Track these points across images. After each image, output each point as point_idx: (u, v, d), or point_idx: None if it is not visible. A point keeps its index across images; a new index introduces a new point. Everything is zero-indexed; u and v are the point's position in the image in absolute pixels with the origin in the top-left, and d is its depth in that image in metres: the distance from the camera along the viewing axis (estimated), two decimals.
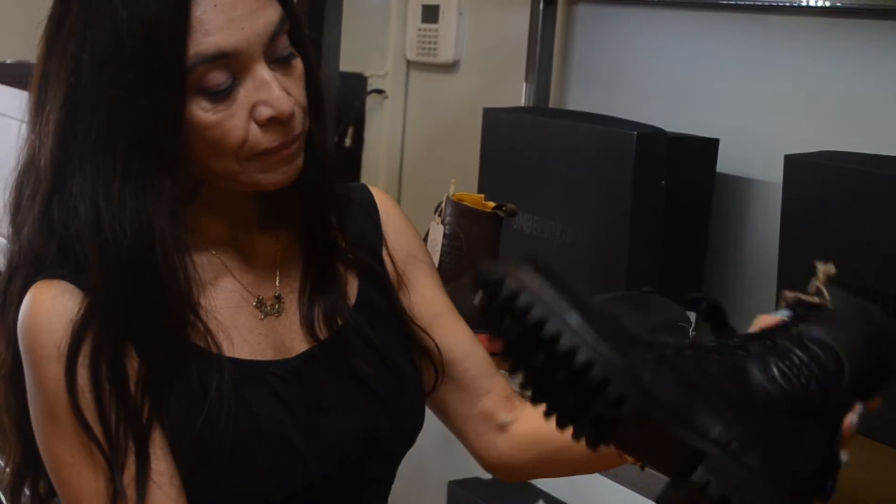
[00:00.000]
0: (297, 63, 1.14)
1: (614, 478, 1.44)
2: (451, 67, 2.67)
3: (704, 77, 2.06)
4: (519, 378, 0.96)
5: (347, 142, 2.83)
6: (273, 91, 1.09)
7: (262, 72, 1.09)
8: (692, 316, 1.74)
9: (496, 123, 2.14)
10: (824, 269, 1.12)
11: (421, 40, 2.71)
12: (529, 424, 1.30)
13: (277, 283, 1.22)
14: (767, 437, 1.01)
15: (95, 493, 1.08)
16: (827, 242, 1.59)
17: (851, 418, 1.06)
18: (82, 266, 1.08)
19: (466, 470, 2.15)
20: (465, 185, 1.91)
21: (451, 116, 2.68)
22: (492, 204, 1.81)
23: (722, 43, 2.04)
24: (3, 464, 1.19)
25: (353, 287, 1.25)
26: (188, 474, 1.10)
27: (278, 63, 1.11)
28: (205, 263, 1.16)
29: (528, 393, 0.96)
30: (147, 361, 1.09)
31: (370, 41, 2.83)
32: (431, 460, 2.30)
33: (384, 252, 1.30)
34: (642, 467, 1.01)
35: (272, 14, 1.10)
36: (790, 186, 1.66)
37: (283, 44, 1.12)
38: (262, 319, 1.19)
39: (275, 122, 1.10)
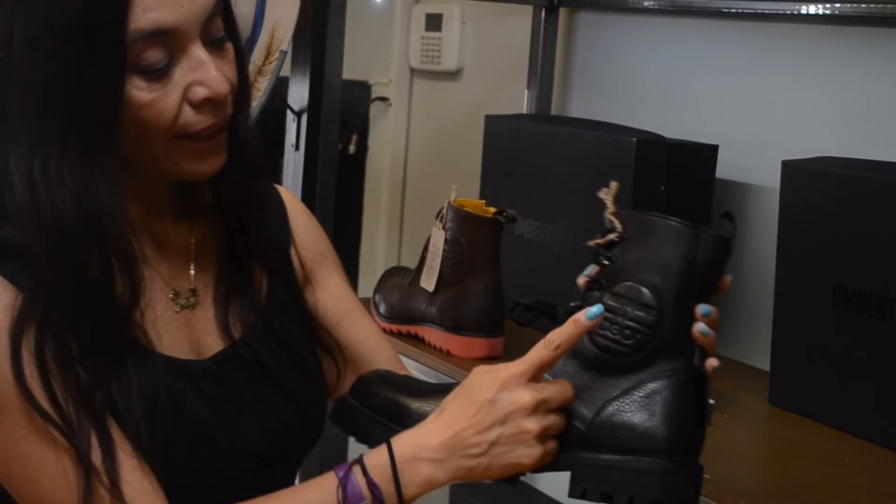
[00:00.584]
0: (230, 47, 1.13)
1: None
2: (454, 75, 2.68)
3: (704, 84, 2.07)
4: None
5: (352, 149, 2.83)
6: (210, 71, 1.07)
7: (199, 52, 1.08)
8: None
9: (498, 130, 2.16)
10: (609, 195, 1.13)
11: (424, 48, 2.73)
12: None
13: (192, 275, 1.20)
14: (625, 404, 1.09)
15: (67, 482, 1.04)
16: (824, 248, 1.60)
17: (697, 327, 1.09)
18: (20, 249, 1.05)
19: None
20: (467, 192, 1.92)
21: (454, 123, 2.69)
22: (493, 210, 1.82)
23: (721, 50, 2.05)
24: None
25: (263, 285, 1.25)
26: None
27: (213, 45, 1.10)
28: None
29: None
30: (90, 351, 1.06)
31: (374, 49, 2.84)
32: None
33: (292, 250, 1.30)
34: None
35: None
36: (788, 192, 1.67)
37: (218, 25, 1.11)
38: (177, 312, 1.18)
39: (209, 104, 1.08)
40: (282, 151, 2.21)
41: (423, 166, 2.81)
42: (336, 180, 2.20)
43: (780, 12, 1.92)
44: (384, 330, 1.95)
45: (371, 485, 1.08)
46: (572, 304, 1.12)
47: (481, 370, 1.11)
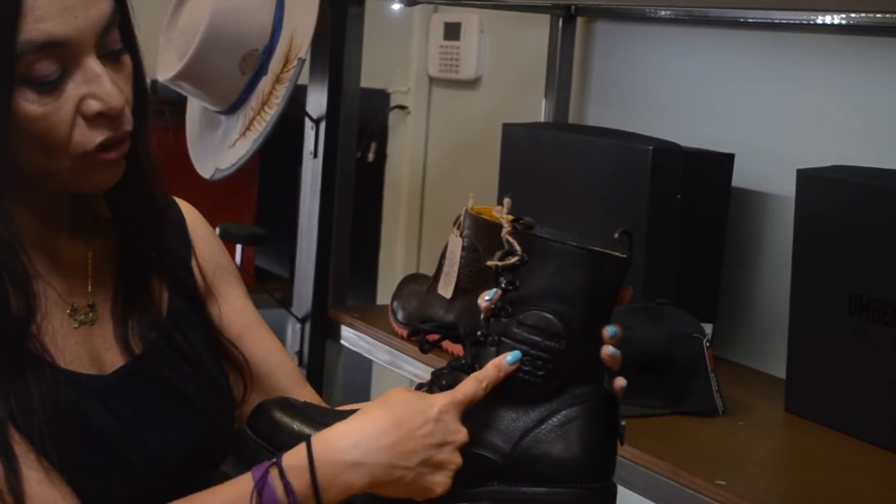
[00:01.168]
0: (127, 60, 1.10)
1: (626, 484, 1.46)
2: (472, 84, 2.69)
3: (720, 93, 2.08)
4: None
5: (370, 157, 2.85)
6: (104, 85, 1.05)
7: (93, 65, 1.05)
8: (708, 328, 1.76)
9: (515, 138, 2.17)
10: (502, 213, 1.14)
11: (443, 57, 2.74)
12: None
13: (89, 290, 1.18)
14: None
15: None
16: (840, 256, 1.60)
17: (606, 350, 1.09)
18: None
19: None
20: (485, 199, 1.93)
21: (472, 132, 2.70)
22: (510, 217, 1.82)
23: (737, 60, 2.06)
24: None
25: (164, 298, 1.22)
26: None
27: (108, 58, 1.07)
28: None
29: None
30: None
31: (393, 58, 2.86)
32: None
33: (193, 262, 1.28)
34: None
35: (105, 5, 1.06)
36: (803, 200, 1.67)
37: (115, 38, 1.08)
38: (76, 328, 1.15)
39: (103, 118, 1.05)
40: (300, 159, 2.23)
41: (442, 174, 2.82)
42: (354, 188, 2.22)
43: (796, 22, 1.92)
44: (401, 337, 1.96)
45: (288, 489, 1.05)
46: (478, 332, 1.12)
47: (404, 390, 1.12)
